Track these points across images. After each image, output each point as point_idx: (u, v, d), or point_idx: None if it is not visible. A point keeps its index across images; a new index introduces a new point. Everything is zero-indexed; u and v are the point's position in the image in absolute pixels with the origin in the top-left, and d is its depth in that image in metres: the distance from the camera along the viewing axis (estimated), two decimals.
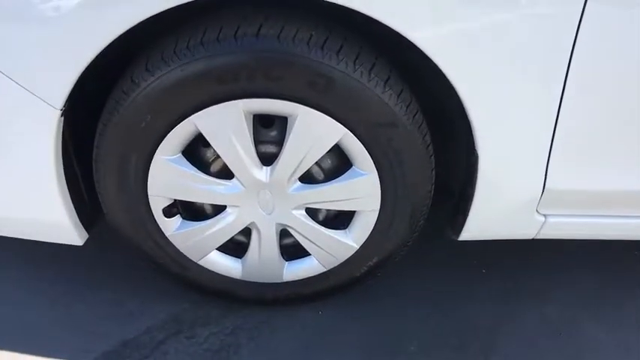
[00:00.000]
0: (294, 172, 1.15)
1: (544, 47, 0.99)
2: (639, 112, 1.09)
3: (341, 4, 0.95)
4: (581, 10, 0.95)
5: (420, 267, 1.56)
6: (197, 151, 1.19)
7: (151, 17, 0.96)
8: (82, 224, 1.25)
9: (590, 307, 1.47)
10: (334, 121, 1.07)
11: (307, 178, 1.19)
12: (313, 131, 1.09)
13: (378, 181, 1.16)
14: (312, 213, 1.26)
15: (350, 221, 1.27)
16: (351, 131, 1.09)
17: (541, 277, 1.57)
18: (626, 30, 1.00)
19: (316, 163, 1.16)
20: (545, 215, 1.27)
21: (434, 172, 1.20)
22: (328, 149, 1.12)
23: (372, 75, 1.04)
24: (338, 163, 1.19)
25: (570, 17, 0.97)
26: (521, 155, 1.14)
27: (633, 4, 0.98)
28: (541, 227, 1.30)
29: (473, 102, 1.05)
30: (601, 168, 1.16)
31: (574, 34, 0.98)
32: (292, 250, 1.33)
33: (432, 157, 1.17)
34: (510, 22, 0.98)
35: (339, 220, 1.29)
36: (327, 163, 1.20)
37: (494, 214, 1.26)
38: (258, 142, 1.14)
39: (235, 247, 1.34)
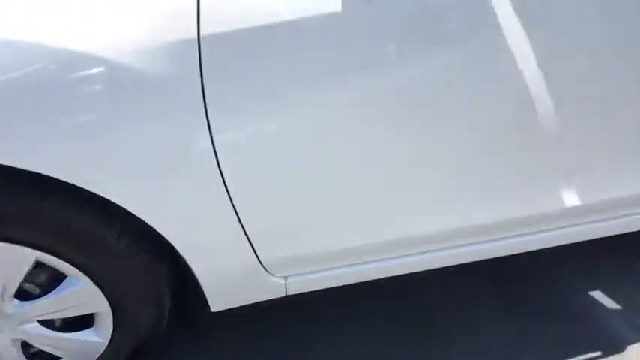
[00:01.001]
0: (3, 295, 1.17)
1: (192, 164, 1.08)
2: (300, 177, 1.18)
3: None
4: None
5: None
6: None
7: None
8: None
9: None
10: (22, 247, 1.10)
11: (25, 294, 1.21)
12: (3, 259, 1.11)
13: (96, 286, 1.20)
14: (48, 321, 1.29)
15: (93, 319, 1.31)
16: (45, 252, 1.12)
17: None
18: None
19: (26, 280, 1.18)
20: (284, 277, 1.36)
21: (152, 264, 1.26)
22: (27, 271, 1.14)
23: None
24: (55, 274, 1.22)
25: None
26: (221, 246, 1.23)
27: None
28: (286, 287, 1.38)
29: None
30: (288, 238, 1.26)
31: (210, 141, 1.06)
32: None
33: (139, 253, 1.21)
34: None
35: (84, 319, 1.32)
36: (42, 278, 1.22)
37: (228, 287, 1.33)
38: None
39: None
